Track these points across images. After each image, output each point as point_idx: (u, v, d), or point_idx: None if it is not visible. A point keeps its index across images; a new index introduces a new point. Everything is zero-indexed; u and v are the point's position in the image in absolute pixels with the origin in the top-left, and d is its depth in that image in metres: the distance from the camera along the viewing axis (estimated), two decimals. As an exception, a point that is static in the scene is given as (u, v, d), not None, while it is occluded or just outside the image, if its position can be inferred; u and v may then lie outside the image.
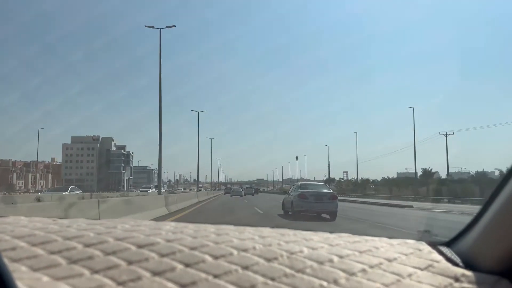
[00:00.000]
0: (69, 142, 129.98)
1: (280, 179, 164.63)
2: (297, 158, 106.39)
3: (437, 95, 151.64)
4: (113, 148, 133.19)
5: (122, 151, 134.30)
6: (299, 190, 13.78)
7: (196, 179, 68.69)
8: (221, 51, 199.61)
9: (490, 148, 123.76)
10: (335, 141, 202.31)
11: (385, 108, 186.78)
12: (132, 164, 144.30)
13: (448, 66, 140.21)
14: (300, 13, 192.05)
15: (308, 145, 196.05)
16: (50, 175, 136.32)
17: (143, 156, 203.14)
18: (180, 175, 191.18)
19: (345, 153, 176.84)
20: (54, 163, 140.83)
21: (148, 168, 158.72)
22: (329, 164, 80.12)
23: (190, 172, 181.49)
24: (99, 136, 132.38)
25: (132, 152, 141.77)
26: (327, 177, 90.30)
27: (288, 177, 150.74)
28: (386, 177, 74.78)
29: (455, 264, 0.65)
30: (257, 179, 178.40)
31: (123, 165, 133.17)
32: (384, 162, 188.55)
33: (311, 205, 13.15)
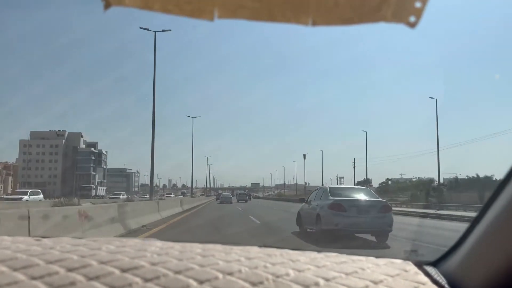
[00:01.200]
0: (28, 138, 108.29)
1: (274, 184, 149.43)
2: (304, 156, 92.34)
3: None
4: (82, 146, 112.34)
5: (93, 149, 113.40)
6: (330, 198, 9.24)
7: (189, 184, 60.83)
8: (215, 55, 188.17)
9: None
10: (329, 146, 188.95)
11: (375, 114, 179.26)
12: (106, 165, 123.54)
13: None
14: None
15: (301, 151, 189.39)
16: (10, 177, 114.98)
17: (119, 157, 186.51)
18: (170, 181, 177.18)
19: (341, 157, 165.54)
20: (16, 164, 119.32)
21: (128, 170, 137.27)
22: (366, 163, 60.10)
23: (180, 177, 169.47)
24: (65, 131, 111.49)
25: (106, 151, 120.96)
26: (323, 181, 72.09)
27: (283, 182, 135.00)
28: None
29: (440, 286, 0.64)
30: (251, 183, 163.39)
31: (93, 165, 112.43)
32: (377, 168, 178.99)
33: (352, 220, 8.70)
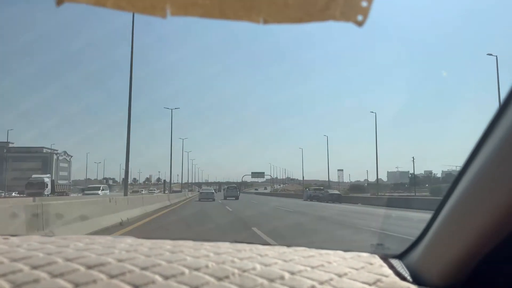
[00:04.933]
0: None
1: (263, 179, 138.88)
2: (302, 151, 79.61)
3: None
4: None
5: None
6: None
7: (168, 180, 49.63)
8: (202, 51, 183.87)
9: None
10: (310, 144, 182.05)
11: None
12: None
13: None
14: None
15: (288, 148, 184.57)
16: None
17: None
18: (151, 175, 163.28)
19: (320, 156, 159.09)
20: None
21: (45, 150, 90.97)
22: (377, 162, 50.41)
23: (159, 172, 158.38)
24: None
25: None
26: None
27: (270, 177, 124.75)
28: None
29: (403, 278, 0.65)
30: (242, 178, 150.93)
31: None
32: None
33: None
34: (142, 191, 70.66)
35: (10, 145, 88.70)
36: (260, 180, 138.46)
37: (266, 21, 0.47)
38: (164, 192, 46.90)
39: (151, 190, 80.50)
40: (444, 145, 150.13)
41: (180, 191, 51.85)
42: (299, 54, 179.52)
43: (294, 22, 0.47)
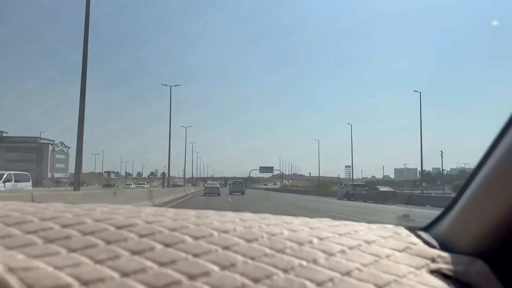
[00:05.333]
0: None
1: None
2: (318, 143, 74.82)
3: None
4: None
5: None
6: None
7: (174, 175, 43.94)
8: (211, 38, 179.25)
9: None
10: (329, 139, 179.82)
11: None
12: None
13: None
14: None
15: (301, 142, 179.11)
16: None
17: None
18: (157, 170, 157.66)
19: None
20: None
21: (41, 140, 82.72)
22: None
23: (164, 166, 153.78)
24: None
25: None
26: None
27: (280, 172, 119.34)
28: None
29: (432, 246, 0.67)
30: (250, 173, 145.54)
31: None
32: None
33: None
34: (131, 185, 64.29)
35: (4, 135, 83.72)
36: (266, 175, 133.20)
37: None
38: (163, 187, 41.95)
39: (140, 184, 72.94)
40: (453, 143, 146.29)
41: (182, 186, 46.55)
42: (312, 48, 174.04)
43: None
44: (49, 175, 73.94)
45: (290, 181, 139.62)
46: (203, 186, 43.54)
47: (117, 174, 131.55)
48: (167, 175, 44.74)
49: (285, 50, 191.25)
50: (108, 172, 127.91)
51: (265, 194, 45.40)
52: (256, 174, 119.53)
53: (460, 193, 0.71)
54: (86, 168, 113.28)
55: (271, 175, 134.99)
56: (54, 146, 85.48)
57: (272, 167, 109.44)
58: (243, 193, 37.99)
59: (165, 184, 38.43)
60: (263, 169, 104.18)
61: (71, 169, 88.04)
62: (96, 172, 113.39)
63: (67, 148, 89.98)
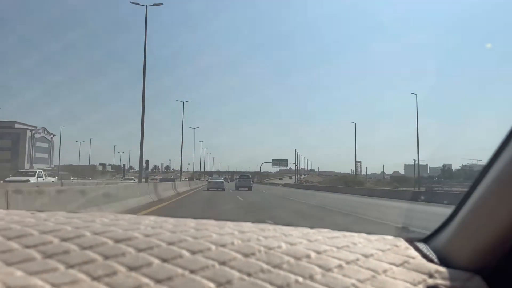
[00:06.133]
0: None
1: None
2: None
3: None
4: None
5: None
6: None
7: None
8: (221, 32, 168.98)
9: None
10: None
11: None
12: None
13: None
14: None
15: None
16: None
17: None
18: (162, 164, 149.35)
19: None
20: None
21: (17, 126, 71.71)
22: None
23: (169, 160, 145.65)
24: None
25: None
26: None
27: (295, 166, 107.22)
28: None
29: (430, 260, 0.66)
30: (261, 167, 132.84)
31: None
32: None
33: None
34: (132, 179, 53.88)
35: (-24, 119, 71.14)
36: (274, 170, 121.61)
37: None
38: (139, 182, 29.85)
39: (126, 178, 60.24)
40: (462, 140, 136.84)
41: (173, 180, 39.03)
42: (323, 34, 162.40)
43: None
44: (27, 166, 61.46)
45: (304, 176, 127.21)
46: (207, 180, 40.92)
47: (114, 167, 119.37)
48: (170, 170, 34.36)
49: (300, 51, 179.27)
50: (104, 165, 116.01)
51: (289, 193, 32.52)
52: (267, 168, 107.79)
53: (461, 204, 0.69)
54: (71, 159, 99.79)
55: (279, 170, 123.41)
56: (34, 132, 72.71)
57: (287, 160, 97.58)
58: (250, 188, 34.86)
59: (141, 179, 25.89)
60: (275, 162, 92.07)
61: (56, 160, 74.49)
62: (89, 164, 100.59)
63: (51, 136, 77.98)
